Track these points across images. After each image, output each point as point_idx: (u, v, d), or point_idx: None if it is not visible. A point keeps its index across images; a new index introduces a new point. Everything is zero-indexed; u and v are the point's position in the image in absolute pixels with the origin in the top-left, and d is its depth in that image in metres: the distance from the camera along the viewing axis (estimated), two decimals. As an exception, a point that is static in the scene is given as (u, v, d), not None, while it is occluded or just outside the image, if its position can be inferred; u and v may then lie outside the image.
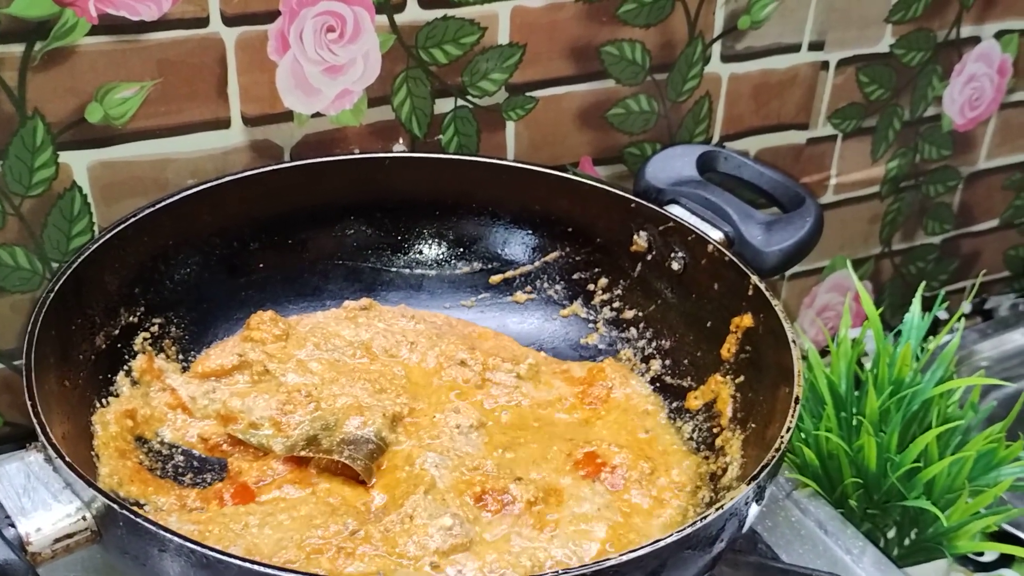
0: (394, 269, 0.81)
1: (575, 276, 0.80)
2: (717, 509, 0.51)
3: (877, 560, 0.72)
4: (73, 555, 0.54)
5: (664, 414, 0.73)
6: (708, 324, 0.73)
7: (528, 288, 0.81)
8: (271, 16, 0.74)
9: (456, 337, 0.78)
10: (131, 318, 0.70)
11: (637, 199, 0.77)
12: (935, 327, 0.81)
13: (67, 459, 0.51)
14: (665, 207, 0.77)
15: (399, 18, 0.77)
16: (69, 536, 0.51)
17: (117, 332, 0.69)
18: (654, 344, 0.77)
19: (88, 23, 0.68)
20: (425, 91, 0.81)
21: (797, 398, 0.59)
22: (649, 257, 0.77)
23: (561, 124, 0.87)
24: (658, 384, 0.75)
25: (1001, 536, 0.84)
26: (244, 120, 0.76)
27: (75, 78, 0.70)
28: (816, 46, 0.94)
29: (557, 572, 0.48)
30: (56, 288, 0.62)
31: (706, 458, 0.69)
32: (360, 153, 0.80)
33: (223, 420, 0.69)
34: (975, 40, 1.02)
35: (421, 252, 0.82)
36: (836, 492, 0.77)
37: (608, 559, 0.48)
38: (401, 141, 0.82)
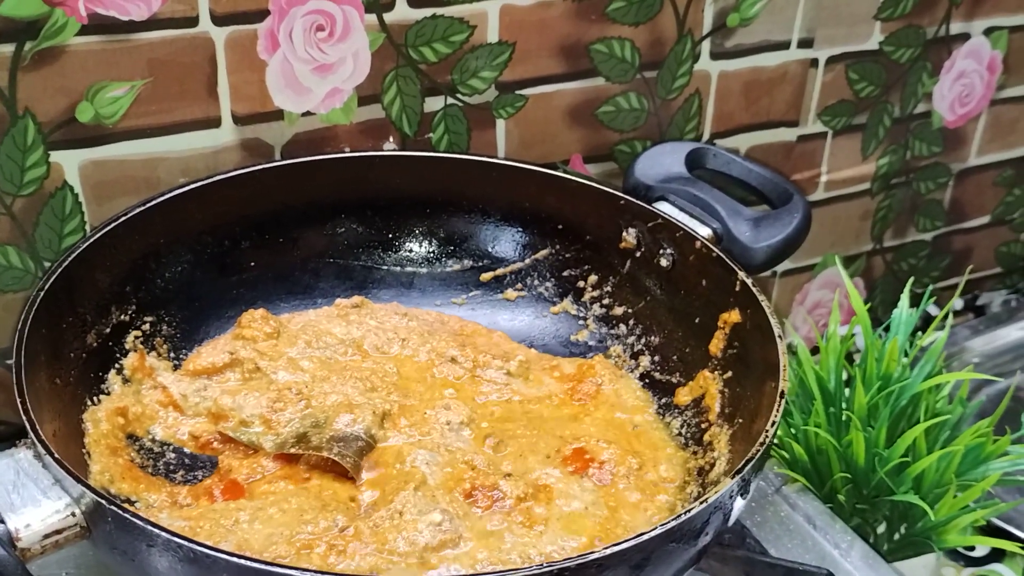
0: (385, 267, 0.81)
1: (565, 273, 0.81)
2: (701, 503, 0.52)
3: (865, 554, 0.73)
4: (64, 552, 0.54)
5: (653, 410, 0.74)
6: (696, 320, 0.73)
7: (519, 285, 0.82)
8: (260, 15, 0.74)
9: (447, 334, 0.78)
10: (122, 316, 0.70)
11: (626, 196, 0.77)
12: (927, 323, 0.81)
13: (56, 455, 0.52)
14: (654, 204, 0.77)
15: (388, 17, 0.78)
16: (58, 532, 0.51)
17: (108, 330, 0.69)
18: (643, 340, 0.77)
19: (78, 23, 0.69)
20: (415, 89, 0.81)
21: (782, 393, 0.60)
22: (638, 254, 0.77)
23: (551, 122, 0.87)
24: (647, 380, 0.75)
25: (991, 531, 0.85)
26: (234, 119, 0.77)
27: (65, 77, 0.70)
28: (805, 43, 0.94)
29: (542, 566, 0.48)
30: (47, 286, 0.63)
31: (694, 453, 0.69)
32: (350, 152, 0.81)
33: (214, 418, 0.69)
34: (964, 37, 1.02)
35: (412, 250, 0.82)
36: (825, 487, 0.78)
37: (592, 552, 0.48)
38: (391, 139, 0.83)
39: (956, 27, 1.01)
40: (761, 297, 0.67)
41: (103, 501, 0.49)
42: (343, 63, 0.78)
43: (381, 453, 0.67)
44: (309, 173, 0.77)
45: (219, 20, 0.73)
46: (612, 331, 0.79)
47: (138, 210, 0.70)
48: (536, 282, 0.81)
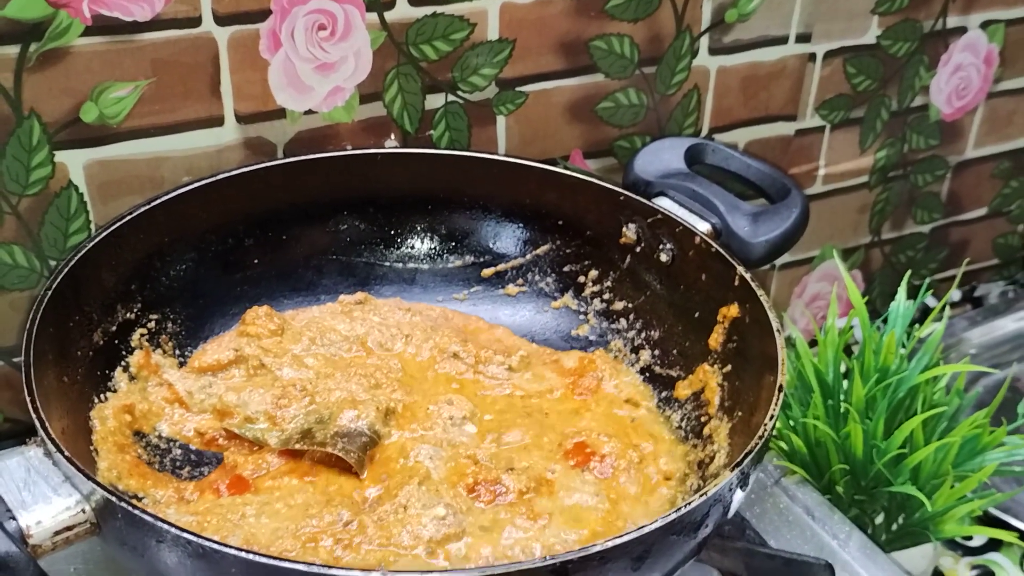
0: (387, 263, 0.82)
1: (566, 268, 0.81)
2: (701, 495, 0.53)
3: (863, 545, 0.73)
4: (72, 548, 0.55)
5: (653, 403, 0.74)
6: (696, 314, 0.74)
7: (520, 281, 0.82)
8: (263, 15, 0.75)
9: (450, 330, 0.79)
10: (128, 314, 0.71)
11: (626, 192, 0.78)
12: (925, 315, 0.82)
13: (66, 453, 0.52)
14: (653, 199, 0.78)
15: (389, 15, 0.78)
16: (69, 528, 0.52)
17: (114, 328, 0.70)
18: (643, 335, 0.78)
19: (82, 24, 0.69)
20: (416, 87, 0.82)
21: (781, 386, 0.60)
22: (638, 249, 0.78)
23: (551, 118, 0.88)
24: (647, 374, 0.76)
25: (988, 521, 0.86)
26: (237, 118, 0.77)
27: (70, 78, 0.71)
28: (803, 38, 0.95)
29: (545, 559, 0.49)
30: (54, 286, 0.63)
31: (694, 446, 0.70)
32: (352, 149, 0.81)
33: (219, 414, 0.70)
34: (961, 30, 1.03)
35: (414, 246, 0.83)
36: (824, 479, 0.78)
37: (594, 545, 0.49)
38: (393, 137, 0.83)
39: (953, 21, 1.02)
40: (760, 291, 0.68)
41: (113, 498, 0.50)
42: (344, 62, 0.79)
43: (385, 448, 0.68)
44: (311, 171, 0.78)
45: (221, 20, 0.73)
46: (612, 326, 0.80)
47: (143, 209, 0.71)
48: (537, 277, 0.82)
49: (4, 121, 0.70)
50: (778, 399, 0.60)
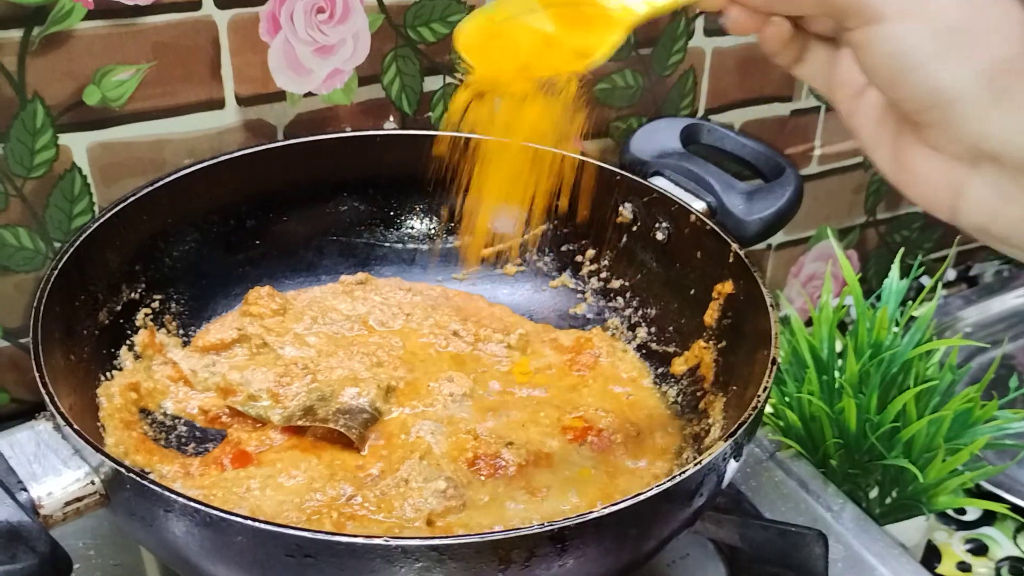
0: (387, 244, 0.83)
1: (563, 248, 0.82)
2: (696, 465, 0.54)
3: (856, 516, 0.75)
4: (82, 524, 0.56)
5: (649, 380, 0.76)
6: (692, 292, 0.75)
7: (518, 260, 0.83)
8: (262, -2, 0.76)
9: (450, 308, 0.80)
10: (132, 294, 0.72)
11: (622, 172, 0.79)
12: (923, 294, 0.83)
13: (75, 426, 0.54)
14: (649, 179, 0.79)
15: (387, -2, 0.79)
16: (79, 500, 0.53)
17: (119, 308, 0.71)
18: (640, 312, 0.79)
19: (84, 8, 0.70)
20: (414, 69, 0.83)
21: (774, 360, 0.62)
22: (634, 228, 0.79)
23: (548, 100, 0.89)
24: (644, 351, 0.77)
25: (982, 495, 0.87)
26: (238, 100, 0.78)
27: (73, 62, 0.71)
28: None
29: (543, 525, 0.50)
30: (59, 266, 0.64)
31: (690, 420, 0.71)
32: (352, 131, 0.82)
33: (223, 392, 0.71)
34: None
35: (413, 227, 0.84)
36: (818, 453, 0.80)
37: (590, 512, 0.50)
38: (391, 119, 0.84)
39: (947, 1, 1.02)
40: (754, 268, 0.69)
41: (122, 469, 0.51)
42: (343, 44, 0.79)
43: (386, 425, 0.69)
44: (311, 153, 0.79)
45: (221, 3, 0.74)
46: (609, 304, 0.81)
47: (146, 191, 0.72)
48: (535, 257, 0.83)
49: (8, 104, 0.71)
50: (771, 372, 0.61)
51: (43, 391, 0.55)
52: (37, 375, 0.56)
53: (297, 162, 0.79)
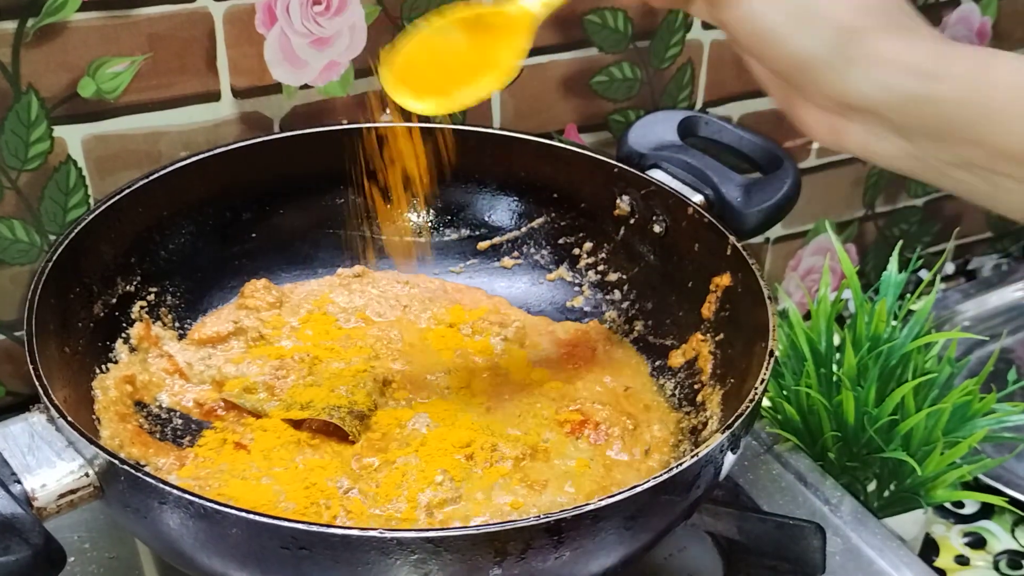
0: (384, 237, 0.83)
1: (560, 241, 0.82)
2: (692, 457, 0.54)
3: (854, 509, 0.75)
4: (77, 517, 0.56)
5: (647, 372, 0.75)
6: (689, 284, 0.75)
7: (515, 253, 0.83)
8: (258, -10, 0.75)
9: (448, 301, 0.80)
10: (128, 287, 0.72)
11: (619, 164, 0.78)
12: (923, 288, 0.83)
13: (69, 418, 0.53)
14: (647, 172, 0.78)
15: (384, -10, 0.79)
16: (73, 492, 0.53)
17: (115, 301, 0.71)
18: (637, 305, 0.79)
19: (78, -1, 0.70)
20: (411, 62, 0.82)
21: (772, 352, 0.61)
22: (632, 221, 0.79)
23: (546, 92, 0.89)
24: (641, 344, 0.77)
25: (980, 489, 0.87)
26: (234, 93, 0.78)
27: (67, 53, 0.71)
28: (796, 12, 0.95)
29: (539, 517, 0.50)
30: (54, 258, 0.64)
31: (687, 413, 0.71)
32: (348, 124, 0.82)
33: (218, 385, 0.71)
34: (954, 3, 1.03)
35: (410, 220, 0.83)
36: (816, 446, 0.80)
37: (587, 504, 0.50)
38: (388, 111, 0.84)
39: (946, -6, 1.02)
40: (751, 261, 0.69)
41: (116, 461, 0.51)
42: (340, 36, 0.79)
43: (382, 417, 0.69)
44: (308, 145, 0.79)
45: (217, -5, 0.74)
46: (607, 297, 0.80)
47: (141, 183, 0.71)
48: (532, 250, 0.83)
49: (2, 96, 0.71)
50: (769, 364, 0.61)
51: (37, 383, 0.55)
52: (31, 367, 0.56)
53: (293, 155, 0.79)
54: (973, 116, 0.50)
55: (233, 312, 0.76)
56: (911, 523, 0.81)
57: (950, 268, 1.23)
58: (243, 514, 0.49)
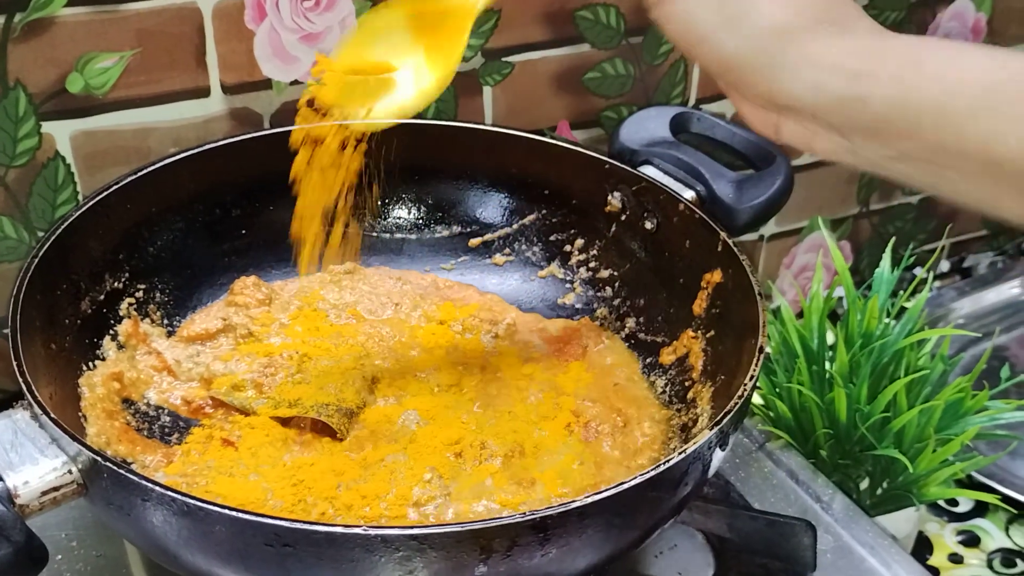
0: (374, 234, 0.83)
1: (552, 237, 0.82)
2: (680, 453, 0.53)
3: (846, 507, 0.74)
4: (63, 514, 0.56)
5: (638, 369, 0.75)
6: (680, 281, 0.74)
7: (506, 250, 0.83)
8: (247, -15, 0.75)
9: (439, 297, 0.80)
10: (116, 284, 0.72)
11: (611, 161, 0.78)
12: (917, 287, 0.82)
13: (52, 415, 0.53)
14: (639, 168, 0.78)
15: (374, -15, 0.79)
16: (56, 489, 0.53)
17: (102, 297, 0.70)
18: (629, 302, 0.78)
19: (66, -6, 0.70)
20: (402, 57, 0.82)
21: (762, 348, 0.61)
22: (623, 217, 0.78)
23: (538, 89, 0.88)
24: (632, 341, 0.77)
25: (973, 486, 0.87)
26: (223, 88, 0.78)
27: (55, 49, 0.71)
28: (790, 8, 0.95)
29: (525, 514, 0.50)
30: (41, 254, 0.64)
31: (678, 411, 0.71)
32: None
33: (206, 383, 0.70)
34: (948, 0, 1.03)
35: (401, 217, 0.83)
36: (808, 443, 0.79)
37: (573, 501, 0.50)
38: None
39: (940, -10, 1.02)
40: (742, 257, 0.68)
41: (98, 458, 0.51)
42: (330, 32, 0.79)
43: (371, 415, 0.69)
44: (298, 142, 0.78)
45: (206, -10, 0.74)
46: (598, 294, 0.80)
47: (129, 179, 0.71)
48: (523, 247, 0.83)
49: (-10, 92, 0.70)
50: (758, 361, 0.60)
51: (21, 380, 0.55)
52: (15, 364, 0.56)
53: (284, 151, 0.78)
54: (906, 114, 0.49)
55: (222, 309, 0.75)
56: (904, 521, 0.81)
57: (945, 266, 1.22)
58: (226, 511, 0.49)
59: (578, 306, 0.80)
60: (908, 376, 0.75)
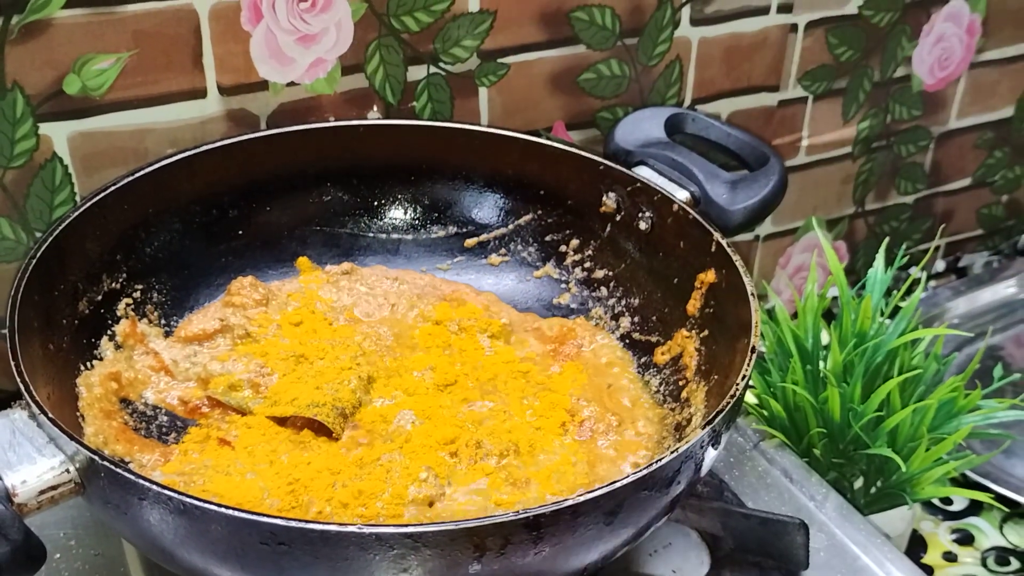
0: (371, 234, 0.83)
1: (547, 238, 0.82)
2: (672, 452, 0.54)
3: (840, 506, 0.75)
4: (62, 513, 0.56)
5: (633, 369, 0.75)
6: (675, 281, 0.75)
7: (502, 251, 0.83)
8: (243, -13, 0.75)
9: (436, 297, 0.80)
10: (113, 284, 0.72)
11: (606, 161, 0.79)
12: (912, 287, 0.83)
13: (50, 415, 0.53)
14: (633, 169, 0.78)
15: (370, -13, 0.79)
16: (54, 488, 0.53)
17: (100, 298, 0.71)
18: (623, 302, 0.79)
19: (63, -4, 0.70)
20: (398, 59, 0.82)
21: (754, 348, 0.61)
22: (618, 218, 0.79)
23: (533, 90, 0.89)
24: (627, 340, 0.77)
25: (967, 486, 0.87)
26: (220, 90, 0.78)
27: (52, 50, 0.71)
28: (785, 8, 0.95)
29: (517, 512, 0.50)
30: (38, 254, 0.64)
31: (672, 410, 0.71)
32: (335, 121, 0.82)
33: (203, 383, 0.71)
34: (943, 0, 1.03)
35: (397, 217, 0.83)
36: (802, 442, 0.80)
37: (566, 499, 0.50)
38: (375, 108, 0.84)
39: (935, -9, 1.02)
40: (736, 257, 0.69)
41: (96, 457, 0.51)
42: (326, 33, 0.79)
43: (367, 414, 0.69)
44: (295, 143, 0.79)
45: (202, -8, 0.74)
46: (593, 294, 0.81)
47: (127, 180, 0.72)
48: (519, 247, 0.83)
49: (-12, 93, 0.71)
50: (751, 360, 0.61)
51: (19, 379, 0.55)
52: (13, 364, 0.56)
53: (280, 152, 0.79)
54: None
55: (219, 310, 0.76)
56: (898, 519, 0.81)
57: (940, 265, 1.23)
58: (222, 510, 0.49)
59: (573, 306, 0.81)
60: (902, 375, 0.76)
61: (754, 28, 0.95)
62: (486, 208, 0.83)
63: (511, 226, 0.83)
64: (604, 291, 0.80)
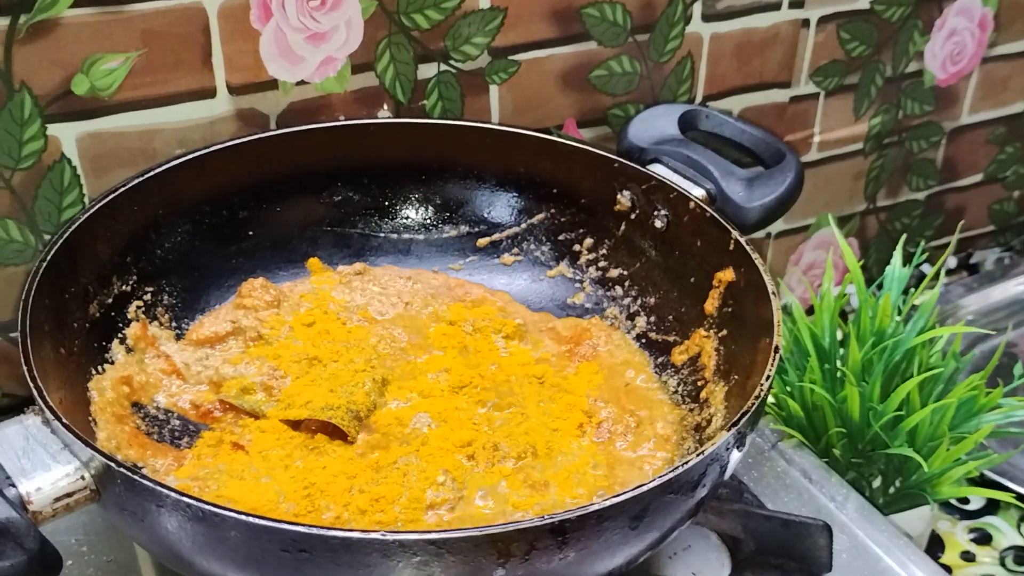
0: (382, 234, 0.82)
1: (561, 237, 0.81)
2: (698, 455, 0.53)
3: (860, 506, 0.74)
4: (73, 519, 0.55)
5: (650, 369, 0.75)
6: (692, 280, 0.74)
7: (515, 250, 0.82)
8: (253, -15, 0.74)
9: (450, 298, 0.79)
10: (124, 287, 0.71)
11: (620, 159, 0.78)
12: (925, 282, 0.82)
13: (64, 420, 0.53)
14: (648, 166, 0.78)
15: (380, -16, 0.78)
16: (69, 495, 0.52)
17: (110, 301, 0.70)
18: (639, 301, 0.78)
19: (71, -5, 0.69)
20: (408, 57, 0.82)
21: (777, 348, 0.61)
22: (633, 216, 0.78)
23: (544, 87, 0.88)
24: (643, 340, 0.76)
25: (986, 484, 0.86)
26: (229, 89, 0.77)
27: (60, 50, 0.70)
28: (796, 3, 0.94)
29: (543, 517, 0.49)
30: (49, 257, 0.63)
31: (691, 410, 0.70)
32: (345, 120, 0.81)
33: (216, 386, 0.70)
34: (956, -5, 1.03)
35: (408, 217, 0.83)
36: (821, 442, 0.79)
37: (591, 504, 0.49)
38: (386, 107, 0.83)
39: (947, -15, 1.01)
40: (755, 255, 0.68)
41: (112, 464, 0.50)
42: (336, 31, 0.78)
43: (382, 417, 0.68)
44: (305, 142, 0.78)
45: (211, -10, 0.73)
46: (608, 293, 0.80)
47: (136, 181, 0.71)
48: (532, 246, 0.82)
49: (-5, 94, 0.70)
50: (774, 360, 0.60)
51: (31, 385, 0.54)
52: (25, 368, 0.55)
53: (290, 152, 0.78)
54: None
55: (231, 312, 0.75)
56: (917, 520, 0.80)
57: (952, 262, 1.22)
58: (243, 517, 0.48)
59: (588, 305, 0.80)
60: (921, 374, 0.75)
61: (766, 24, 0.94)
62: (498, 207, 0.82)
63: (524, 225, 0.82)
64: (619, 290, 0.79)
